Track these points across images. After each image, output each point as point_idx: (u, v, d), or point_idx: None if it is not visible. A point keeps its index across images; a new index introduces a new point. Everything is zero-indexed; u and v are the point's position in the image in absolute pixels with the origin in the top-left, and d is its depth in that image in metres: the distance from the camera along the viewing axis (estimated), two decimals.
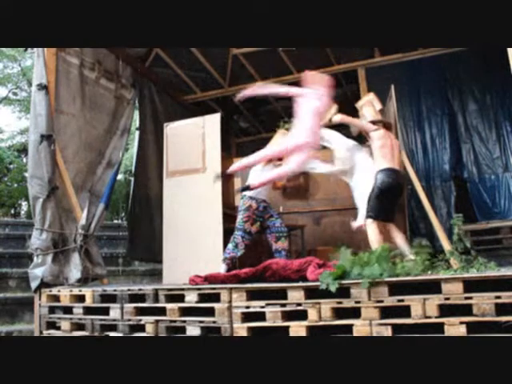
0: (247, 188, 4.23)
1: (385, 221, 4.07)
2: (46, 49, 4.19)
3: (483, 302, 2.35)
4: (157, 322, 3.16)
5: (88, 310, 3.48)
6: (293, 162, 3.96)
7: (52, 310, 3.70)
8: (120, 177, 10.68)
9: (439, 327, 2.41)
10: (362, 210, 4.18)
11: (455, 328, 2.36)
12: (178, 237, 4.80)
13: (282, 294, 2.83)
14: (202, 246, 4.61)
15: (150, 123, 6.07)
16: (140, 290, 3.31)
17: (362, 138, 4.58)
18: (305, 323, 2.71)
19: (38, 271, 3.81)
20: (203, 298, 3.08)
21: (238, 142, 8.71)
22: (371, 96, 4.55)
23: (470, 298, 2.39)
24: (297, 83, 4.88)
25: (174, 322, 3.10)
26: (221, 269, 4.18)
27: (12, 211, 11.61)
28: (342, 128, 4.69)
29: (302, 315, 2.75)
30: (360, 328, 2.58)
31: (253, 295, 2.95)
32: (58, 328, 3.64)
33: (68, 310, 3.60)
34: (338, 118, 4.32)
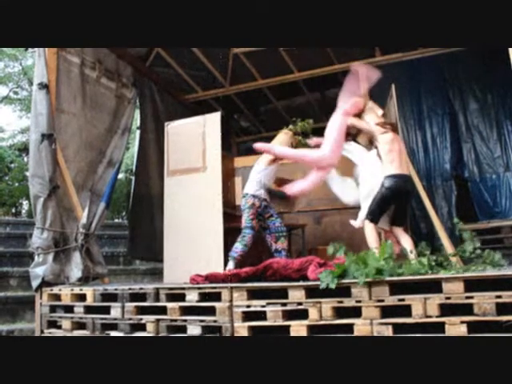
0: (283, 196, 4.28)
1: (394, 225, 4.08)
2: (46, 48, 4.19)
3: (484, 302, 2.35)
4: (158, 321, 3.16)
5: (89, 309, 3.48)
6: (318, 175, 4.22)
7: (53, 308, 3.71)
8: (121, 176, 10.68)
9: (440, 327, 2.41)
10: (364, 210, 4.18)
11: (456, 327, 2.36)
12: (178, 236, 4.80)
13: (282, 294, 2.84)
14: (203, 245, 4.61)
15: (151, 122, 6.08)
16: (141, 289, 3.31)
17: None
18: (305, 322, 2.71)
19: (39, 270, 3.81)
20: (204, 297, 3.08)
21: (239, 141, 8.71)
22: (370, 104, 4.55)
23: (471, 297, 2.39)
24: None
25: (175, 321, 3.10)
26: (228, 265, 4.17)
27: (13, 210, 11.61)
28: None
29: (302, 314, 2.75)
30: (361, 327, 2.58)
31: (253, 294, 2.95)
32: (59, 327, 3.64)
33: (69, 308, 3.61)
34: (351, 122, 4.34)
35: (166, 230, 4.96)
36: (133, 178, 6.25)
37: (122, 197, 10.88)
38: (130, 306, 3.29)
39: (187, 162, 4.93)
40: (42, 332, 3.67)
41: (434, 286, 2.52)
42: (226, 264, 4.34)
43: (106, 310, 3.37)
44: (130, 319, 3.27)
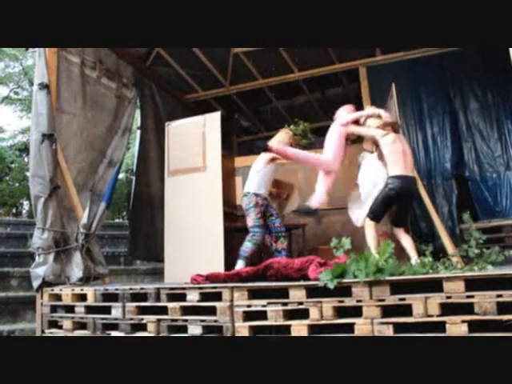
0: (312, 211, 4.30)
1: (395, 226, 4.09)
2: (47, 48, 4.20)
3: (485, 301, 2.34)
4: (158, 321, 3.16)
5: (90, 309, 3.48)
6: (328, 179, 4.38)
7: (54, 308, 3.71)
8: (121, 176, 10.68)
9: (441, 326, 2.41)
10: (365, 209, 4.19)
11: (457, 327, 2.36)
12: (179, 236, 4.80)
13: (283, 293, 2.83)
14: (204, 244, 4.60)
15: (151, 122, 6.08)
16: (142, 289, 3.31)
17: None
18: (306, 322, 2.71)
19: (40, 270, 3.81)
20: (205, 297, 3.08)
21: (239, 140, 8.71)
22: (370, 110, 4.56)
23: (472, 296, 2.39)
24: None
25: (176, 321, 3.10)
26: (238, 265, 4.17)
27: (14, 210, 11.61)
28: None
29: (303, 314, 2.75)
30: (362, 327, 2.58)
31: (254, 294, 2.95)
32: (60, 327, 3.64)
33: (70, 308, 3.61)
34: (350, 130, 4.39)
35: (166, 229, 4.96)
36: (133, 177, 6.25)
37: (122, 197, 10.89)
38: (131, 305, 3.29)
39: (188, 162, 4.92)
40: (42, 332, 3.68)
41: (435, 286, 2.52)
42: (226, 263, 4.34)
43: (107, 310, 3.37)
44: (131, 319, 3.27)
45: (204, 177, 4.78)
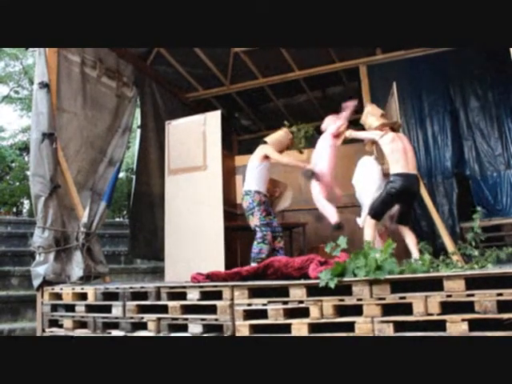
0: (339, 227, 4.26)
1: (399, 224, 4.10)
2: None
3: (485, 300, 2.34)
4: (159, 319, 3.16)
5: (90, 308, 3.48)
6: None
7: (54, 307, 3.71)
8: (122, 175, 10.70)
9: (441, 324, 2.41)
10: (365, 207, 4.19)
11: (457, 325, 2.36)
12: (179, 234, 4.80)
13: (283, 292, 2.83)
14: (204, 243, 4.61)
15: (152, 121, 6.08)
16: (142, 287, 3.31)
17: None
18: (307, 321, 2.71)
19: (40, 269, 3.82)
20: (205, 295, 3.08)
21: (240, 139, 8.71)
22: (369, 108, 4.57)
23: (472, 295, 2.39)
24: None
25: (176, 319, 3.10)
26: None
27: (14, 209, 11.63)
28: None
29: (303, 313, 2.76)
30: (362, 325, 2.58)
31: (255, 293, 2.95)
32: (61, 326, 3.65)
33: (70, 307, 3.61)
34: (348, 133, 4.41)
35: (166, 228, 4.97)
36: (134, 176, 6.25)
37: (122, 196, 10.91)
38: (132, 304, 3.29)
39: (188, 161, 4.93)
40: (43, 331, 3.68)
41: (435, 284, 2.52)
42: (226, 262, 4.34)
43: (108, 309, 3.37)
44: (132, 318, 3.27)
45: (204, 175, 4.78)
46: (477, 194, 6.00)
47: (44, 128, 4.02)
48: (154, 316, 3.18)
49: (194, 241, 4.68)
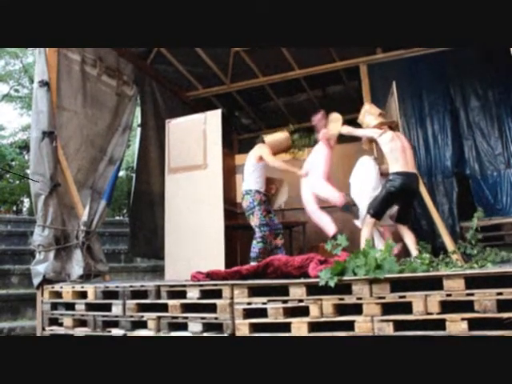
0: (348, 207, 4.32)
1: (399, 223, 4.10)
2: None
3: (485, 299, 2.34)
4: (159, 318, 3.17)
5: (90, 307, 3.48)
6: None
7: (54, 306, 3.71)
8: (122, 173, 10.70)
9: (441, 324, 2.41)
10: (363, 207, 4.19)
11: (457, 324, 2.36)
12: (179, 233, 4.81)
13: (283, 291, 2.84)
14: (204, 242, 4.61)
15: (152, 120, 6.08)
16: (142, 286, 3.31)
17: None
18: (306, 319, 2.71)
19: (40, 268, 3.82)
20: (205, 294, 3.09)
21: (240, 138, 8.71)
22: (367, 106, 4.57)
23: (472, 294, 2.39)
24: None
25: (176, 318, 3.10)
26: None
27: (14, 208, 11.63)
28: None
29: (303, 312, 2.76)
30: (362, 324, 2.58)
31: (254, 292, 2.96)
32: (61, 324, 3.65)
33: (70, 306, 3.61)
34: (345, 130, 4.43)
35: (166, 227, 4.97)
36: (134, 175, 6.25)
37: (122, 194, 10.91)
38: (131, 303, 3.29)
39: (188, 160, 4.93)
40: (43, 329, 3.68)
41: (435, 283, 2.52)
42: (226, 260, 4.35)
43: (107, 308, 3.37)
44: (131, 316, 3.27)
45: (204, 174, 4.78)
46: (477, 193, 5.99)
47: (44, 126, 4.02)
48: (154, 314, 3.18)
49: (194, 239, 4.68)
